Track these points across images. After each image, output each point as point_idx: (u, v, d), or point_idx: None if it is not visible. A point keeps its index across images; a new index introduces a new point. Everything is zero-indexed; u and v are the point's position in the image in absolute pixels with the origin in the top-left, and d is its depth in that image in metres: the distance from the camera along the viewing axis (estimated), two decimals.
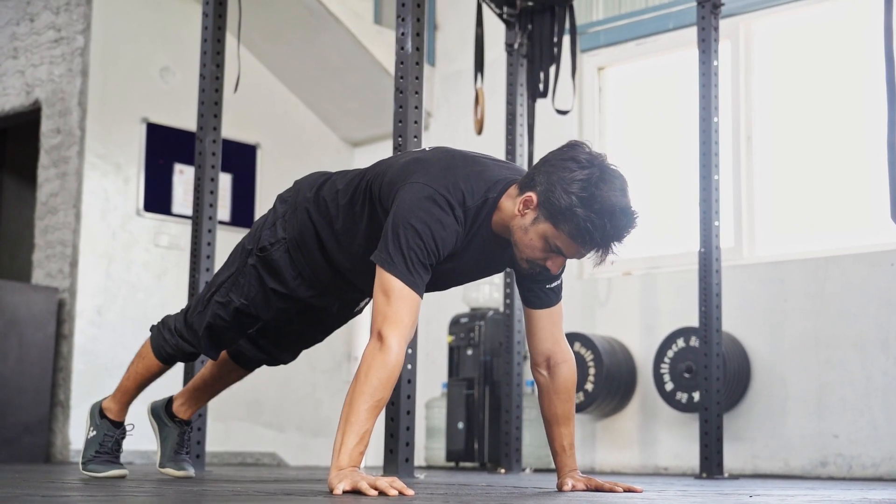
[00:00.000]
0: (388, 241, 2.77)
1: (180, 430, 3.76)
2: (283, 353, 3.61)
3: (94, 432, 3.62)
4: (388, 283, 2.74)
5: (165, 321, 3.51)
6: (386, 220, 2.82)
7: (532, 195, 2.75)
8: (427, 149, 3.04)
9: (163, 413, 3.76)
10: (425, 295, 2.84)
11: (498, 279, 6.82)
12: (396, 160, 2.99)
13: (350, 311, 3.51)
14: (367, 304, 3.48)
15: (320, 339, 3.61)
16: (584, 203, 2.66)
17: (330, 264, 3.17)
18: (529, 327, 3.09)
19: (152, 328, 3.56)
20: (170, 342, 3.46)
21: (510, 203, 2.82)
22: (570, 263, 7.14)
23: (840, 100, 6.07)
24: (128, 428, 3.68)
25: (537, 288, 3.02)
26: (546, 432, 3.15)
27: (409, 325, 2.73)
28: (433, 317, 7.07)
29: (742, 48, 6.36)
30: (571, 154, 2.75)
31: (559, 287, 3.05)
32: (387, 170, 2.95)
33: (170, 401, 3.77)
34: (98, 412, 3.63)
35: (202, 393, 3.73)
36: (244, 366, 3.64)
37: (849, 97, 6.03)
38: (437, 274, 2.91)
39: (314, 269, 3.21)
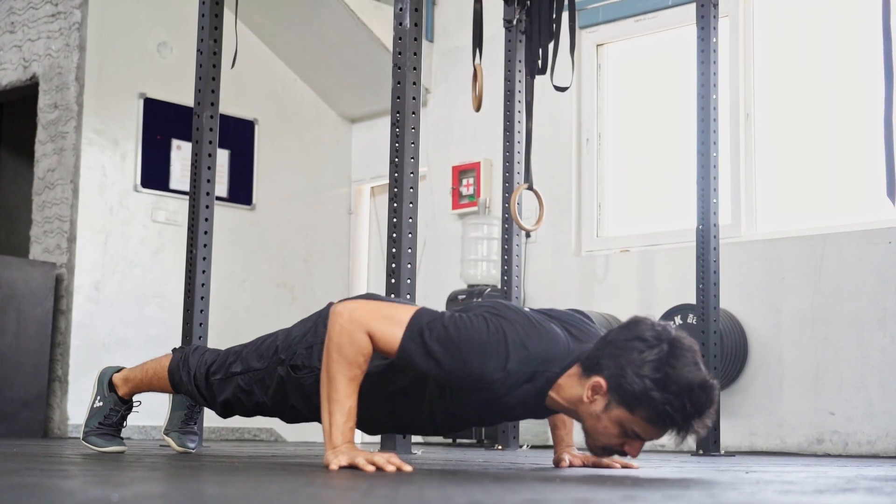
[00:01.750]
0: (442, 317, 2.68)
1: (190, 402, 3.78)
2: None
3: (101, 403, 3.61)
4: (403, 317, 2.67)
5: (188, 360, 3.41)
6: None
7: (600, 380, 2.60)
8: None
9: None
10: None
11: (496, 255, 6.82)
12: None
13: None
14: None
15: None
16: (660, 385, 2.52)
17: (364, 405, 2.89)
18: None
19: (175, 353, 3.49)
20: (185, 385, 3.40)
21: (573, 384, 2.68)
22: (567, 239, 7.13)
23: (839, 77, 6.06)
24: (135, 405, 3.68)
25: None
26: None
27: (374, 342, 2.66)
28: (431, 293, 7.07)
29: (741, 25, 6.35)
30: (636, 332, 2.60)
31: None
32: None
33: None
34: (108, 384, 3.62)
35: None
36: None
37: (848, 74, 6.03)
38: (484, 413, 2.85)
39: None
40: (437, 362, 2.63)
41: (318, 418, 3.06)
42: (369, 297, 3.11)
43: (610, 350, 2.61)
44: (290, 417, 3.22)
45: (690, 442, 2.56)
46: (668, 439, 2.62)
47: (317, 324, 3.10)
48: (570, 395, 2.68)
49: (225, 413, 3.35)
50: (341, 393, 2.63)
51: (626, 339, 2.59)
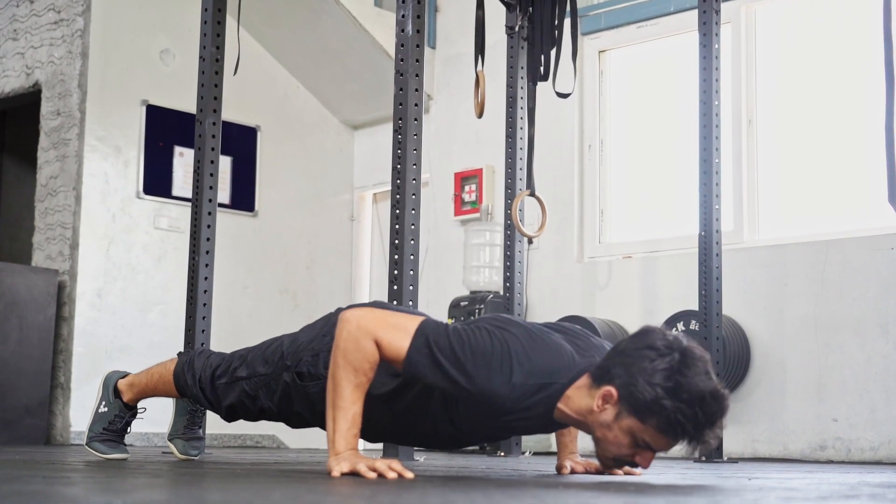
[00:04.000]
0: (447, 329, 2.67)
1: (192, 406, 3.78)
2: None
3: (106, 409, 3.61)
4: (410, 327, 2.65)
5: (193, 364, 3.40)
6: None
7: (611, 389, 2.59)
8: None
9: None
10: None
11: (498, 262, 6.82)
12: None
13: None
14: None
15: None
16: (671, 393, 2.52)
17: (367, 421, 2.87)
18: None
19: (180, 356, 3.49)
20: (191, 388, 3.39)
21: (582, 395, 2.67)
22: (569, 245, 7.12)
23: (841, 83, 6.06)
24: (139, 412, 3.68)
25: None
26: None
27: (381, 350, 2.66)
28: (434, 300, 7.07)
29: (743, 31, 6.35)
30: (647, 341, 2.60)
31: None
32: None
33: None
34: (113, 389, 3.62)
35: None
36: None
37: (850, 80, 6.03)
38: (490, 427, 2.85)
39: None
40: (442, 374, 2.63)
41: (322, 425, 3.04)
42: (376, 304, 3.11)
43: (621, 359, 2.61)
44: (295, 423, 3.22)
45: (702, 451, 2.57)
46: (679, 448, 2.60)
47: (324, 331, 3.08)
48: (579, 406, 2.67)
49: (229, 417, 3.35)
50: (346, 399, 2.63)
51: (638, 347, 2.59)
